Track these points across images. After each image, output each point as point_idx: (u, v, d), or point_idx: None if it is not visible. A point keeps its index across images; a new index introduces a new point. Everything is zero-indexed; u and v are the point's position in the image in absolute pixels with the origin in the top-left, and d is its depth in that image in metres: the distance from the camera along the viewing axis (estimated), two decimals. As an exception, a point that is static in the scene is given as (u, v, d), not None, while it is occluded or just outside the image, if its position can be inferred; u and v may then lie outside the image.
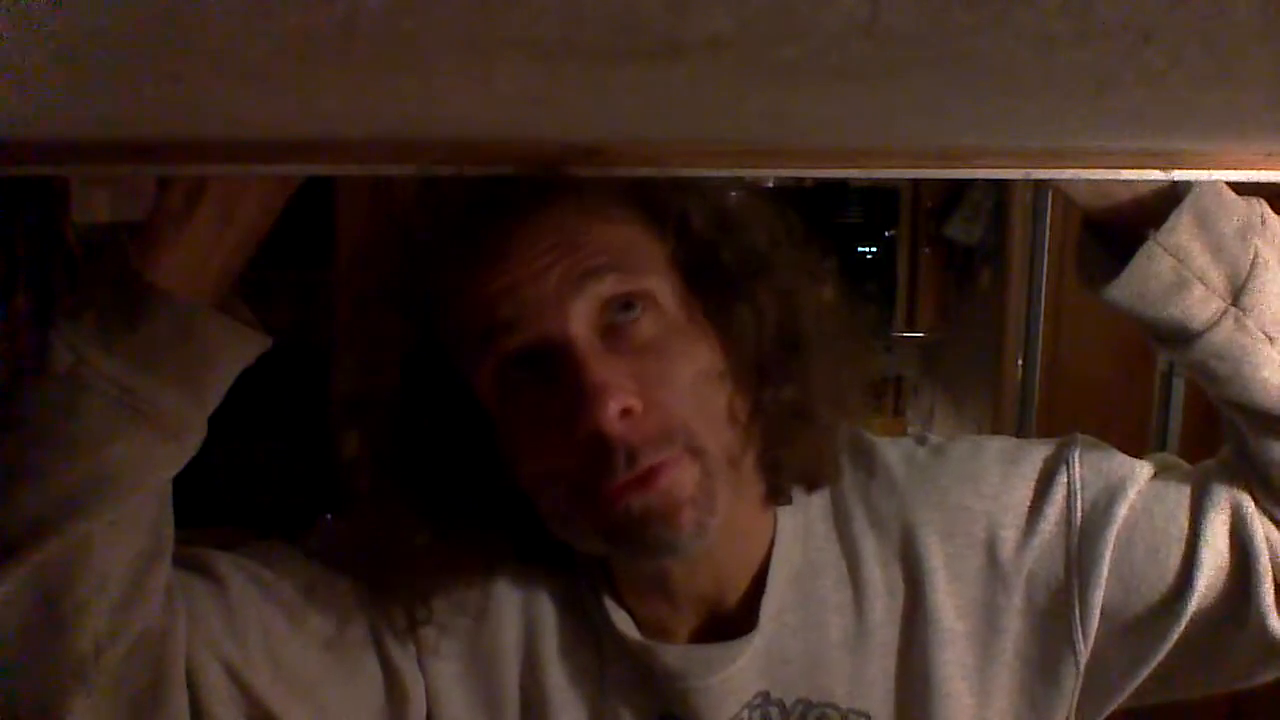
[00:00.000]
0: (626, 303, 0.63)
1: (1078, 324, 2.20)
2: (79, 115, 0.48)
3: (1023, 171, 0.59)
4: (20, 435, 0.60)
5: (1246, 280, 0.64)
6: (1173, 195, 0.64)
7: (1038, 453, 0.74)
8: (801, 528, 0.72)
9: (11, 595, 0.59)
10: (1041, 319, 2.19)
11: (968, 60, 0.32)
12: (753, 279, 0.66)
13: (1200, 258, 0.63)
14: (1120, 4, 0.27)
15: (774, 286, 0.67)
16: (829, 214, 2.30)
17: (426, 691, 0.72)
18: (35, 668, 0.60)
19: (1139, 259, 0.63)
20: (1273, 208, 0.67)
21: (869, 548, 0.72)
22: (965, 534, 0.71)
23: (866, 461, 0.74)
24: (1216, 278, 0.64)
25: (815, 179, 2.23)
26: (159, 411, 0.61)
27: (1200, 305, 0.64)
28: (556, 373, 0.62)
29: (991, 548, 0.71)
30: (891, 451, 0.75)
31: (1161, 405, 2.19)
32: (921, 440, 0.77)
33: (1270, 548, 0.68)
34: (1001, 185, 2.23)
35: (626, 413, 0.60)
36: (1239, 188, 0.65)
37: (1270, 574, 0.68)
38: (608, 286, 0.62)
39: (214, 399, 0.64)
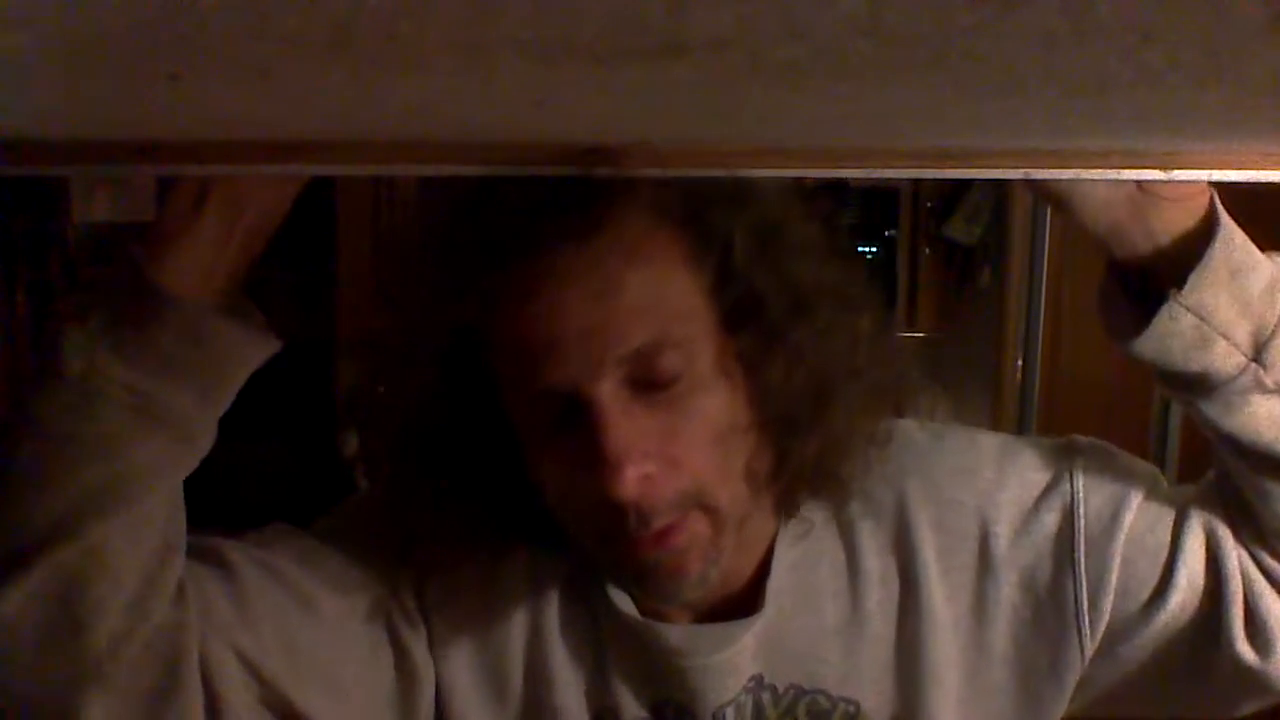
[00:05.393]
0: (659, 354, 0.62)
1: (1078, 324, 2.20)
2: (79, 115, 0.48)
3: (1023, 171, 0.59)
4: (34, 440, 0.61)
5: (1271, 337, 0.63)
6: (1200, 242, 0.63)
7: (1035, 451, 0.74)
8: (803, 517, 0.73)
9: (28, 597, 0.59)
10: (1042, 319, 2.19)
11: (968, 60, 0.32)
12: (792, 317, 0.65)
13: (1225, 313, 0.63)
14: (1120, 4, 0.27)
15: (814, 326, 0.66)
16: (829, 214, 2.30)
17: (436, 672, 0.73)
18: (51, 668, 0.60)
19: (1161, 319, 0.63)
20: (1273, 207, 0.67)
21: (865, 536, 0.73)
22: (958, 528, 0.72)
23: None
24: (1240, 334, 0.63)
25: (815, 179, 2.23)
26: (173, 416, 0.62)
27: (1222, 360, 0.63)
28: (582, 420, 0.62)
29: (984, 543, 0.72)
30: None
31: (1161, 405, 2.19)
32: (921, 426, 0.77)
33: (1242, 575, 0.69)
34: (1001, 185, 2.23)
35: (645, 477, 0.61)
36: (1239, 188, 0.65)
37: (1240, 601, 0.68)
38: (640, 341, 0.62)
39: (225, 401, 0.65)
